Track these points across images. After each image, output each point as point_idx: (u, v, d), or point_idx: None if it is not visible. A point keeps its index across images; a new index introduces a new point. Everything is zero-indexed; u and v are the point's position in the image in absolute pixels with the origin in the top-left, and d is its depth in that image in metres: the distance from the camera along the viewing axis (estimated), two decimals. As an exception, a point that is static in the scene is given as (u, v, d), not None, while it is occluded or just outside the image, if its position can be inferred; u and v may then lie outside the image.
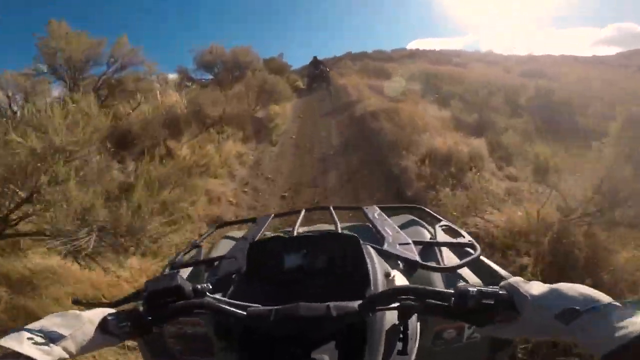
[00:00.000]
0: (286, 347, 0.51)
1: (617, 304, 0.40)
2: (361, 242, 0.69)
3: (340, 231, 0.93)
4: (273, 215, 1.23)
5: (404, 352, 0.55)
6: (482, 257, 0.82)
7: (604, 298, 0.41)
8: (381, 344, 0.52)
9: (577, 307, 0.41)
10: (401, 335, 0.55)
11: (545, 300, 0.44)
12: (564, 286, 0.44)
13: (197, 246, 1.06)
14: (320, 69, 14.75)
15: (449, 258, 0.86)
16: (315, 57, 15.99)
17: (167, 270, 0.87)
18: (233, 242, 1.01)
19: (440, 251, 0.87)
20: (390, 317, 0.54)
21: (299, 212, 1.18)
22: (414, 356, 0.58)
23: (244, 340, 0.53)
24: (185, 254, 1.03)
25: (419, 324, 0.62)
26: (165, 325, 0.58)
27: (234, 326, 0.55)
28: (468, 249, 0.85)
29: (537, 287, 0.46)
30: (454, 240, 0.91)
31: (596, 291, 0.42)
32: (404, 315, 0.52)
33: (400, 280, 0.66)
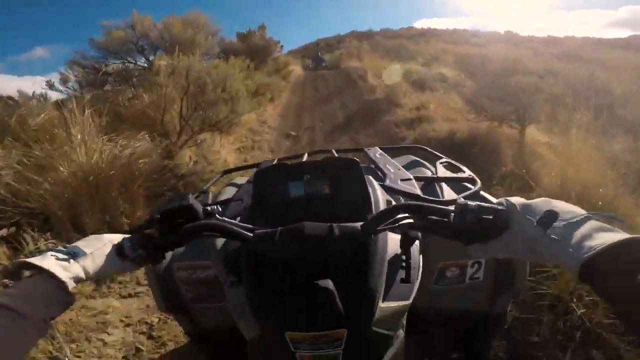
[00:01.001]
0: (291, 272, 0.50)
1: (593, 215, 0.40)
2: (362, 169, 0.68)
3: None
4: (276, 160, 1.24)
5: (407, 280, 0.53)
6: (482, 192, 0.82)
7: (582, 211, 0.41)
8: (383, 269, 0.52)
9: (554, 213, 0.41)
10: (403, 264, 0.54)
11: (531, 207, 0.44)
12: (551, 200, 0.44)
13: (204, 192, 1.06)
14: (322, 64, 16.09)
15: (449, 194, 0.84)
16: (318, 54, 18.57)
17: (161, 207, 0.70)
18: (238, 188, 1.00)
19: (441, 187, 0.86)
20: (393, 244, 0.55)
21: (301, 155, 1.21)
22: (417, 285, 0.55)
23: (250, 269, 0.52)
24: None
25: (421, 256, 0.60)
26: (174, 251, 0.58)
27: (242, 252, 0.54)
28: (468, 184, 0.86)
29: (524, 200, 0.46)
30: (455, 175, 0.92)
31: (577, 207, 0.42)
32: (406, 241, 0.53)
33: None
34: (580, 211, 0.41)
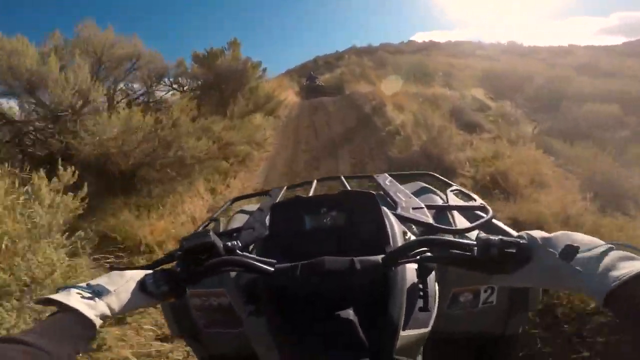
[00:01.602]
0: (312, 305, 0.50)
1: (614, 246, 0.41)
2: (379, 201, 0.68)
3: None
4: (286, 186, 1.21)
5: (425, 308, 0.54)
6: (494, 220, 0.80)
7: (602, 242, 0.42)
8: (403, 298, 0.52)
9: (576, 245, 0.42)
10: (421, 293, 0.54)
11: (552, 241, 0.45)
12: (571, 232, 0.46)
13: (214, 220, 1.04)
14: (316, 82, 14.99)
15: (461, 222, 0.83)
16: (310, 73, 17.54)
17: (184, 244, 0.70)
18: (248, 215, 0.97)
19: (453, 215, 0.85)
20: (410, 274, 0.55)
21: (311, 182, 1.21)
22: (434, 313, 0.56)
23: (271, 300, 0.53)
24: (204, 227, 0.98)
25: (437, 284, 0.61)
26: (193, 289, 0.58)
27: (261, 286, 0.54)
28: (479, 212, 0.84)
29: (545, 234, 0.47)
30: (466, 204, 0.90)
31: (597, 238, 0.43)
32: (423, 271, 0.53)
33: None
34: (600, 242, 0.42)
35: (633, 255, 0.39)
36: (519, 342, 0.86)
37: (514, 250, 0.46)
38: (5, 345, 0.37)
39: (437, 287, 0.60)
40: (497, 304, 0.76)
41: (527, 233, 0.48)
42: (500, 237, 0.47)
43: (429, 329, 0.54)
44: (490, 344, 0.84)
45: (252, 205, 1.11)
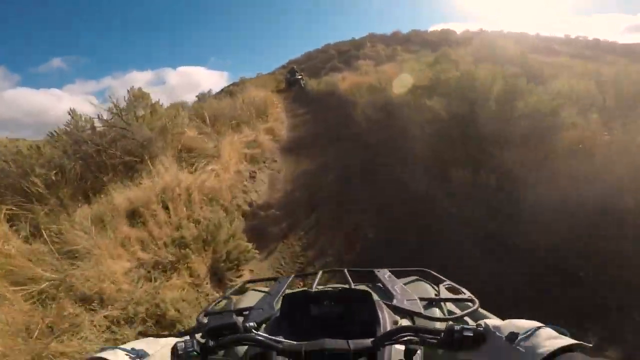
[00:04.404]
0: None
1: (544, 326, 0.56)
2: (374, 296, 0.84)
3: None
4: (293, 275, 1.36)
5: None
6: (480, 309, 0.91)
7: (537, 324, 0.57)
8: None
9: (517, 332, 0.55)
10: None
11: (500, 328, 0.59)
12: (515, 320, 0.60)
13: (227, 298, 1.18)
14: (295, 76, 16.24)
15: (453, 310, 0.96)
16: (293, 67, 19.12)
17: (201, 317, 0.97)
18: (258, 296, 1.12)
19: (441, 306, 0.96)
20: (397, 354, 0.66)
21: (316, 273, 1.31)
22: None
23: None
24: (217, 304, 1.14)
25: None
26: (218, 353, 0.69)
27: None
28: (469, 303, 0.94)
29: (499, 322, 0.62)
30: (454, 297, 1.00)
31: (535, 322, 0.58)
32: (410, 352, 0.62)
33: None
34: (537, 324, 0.56)
35: (557, 334, 0.53)
36: None
37: (471, 334, 0.59)
38: None
39: None
40: None
41: (484, 322, 0.61)
42: (462, 325, 0.60)
43: None
44: None
45: (259, 288, 1.26)
